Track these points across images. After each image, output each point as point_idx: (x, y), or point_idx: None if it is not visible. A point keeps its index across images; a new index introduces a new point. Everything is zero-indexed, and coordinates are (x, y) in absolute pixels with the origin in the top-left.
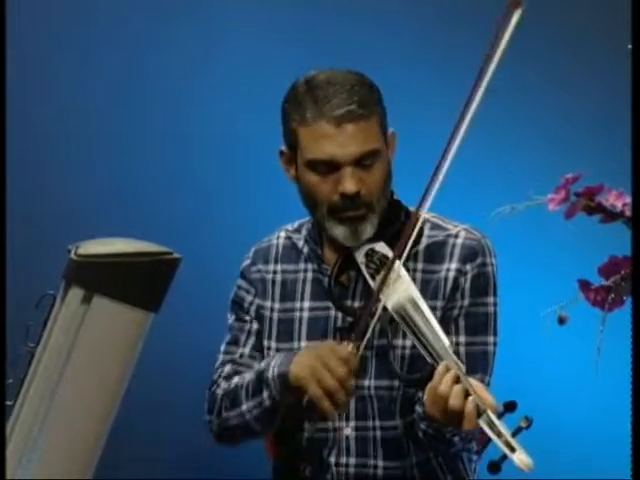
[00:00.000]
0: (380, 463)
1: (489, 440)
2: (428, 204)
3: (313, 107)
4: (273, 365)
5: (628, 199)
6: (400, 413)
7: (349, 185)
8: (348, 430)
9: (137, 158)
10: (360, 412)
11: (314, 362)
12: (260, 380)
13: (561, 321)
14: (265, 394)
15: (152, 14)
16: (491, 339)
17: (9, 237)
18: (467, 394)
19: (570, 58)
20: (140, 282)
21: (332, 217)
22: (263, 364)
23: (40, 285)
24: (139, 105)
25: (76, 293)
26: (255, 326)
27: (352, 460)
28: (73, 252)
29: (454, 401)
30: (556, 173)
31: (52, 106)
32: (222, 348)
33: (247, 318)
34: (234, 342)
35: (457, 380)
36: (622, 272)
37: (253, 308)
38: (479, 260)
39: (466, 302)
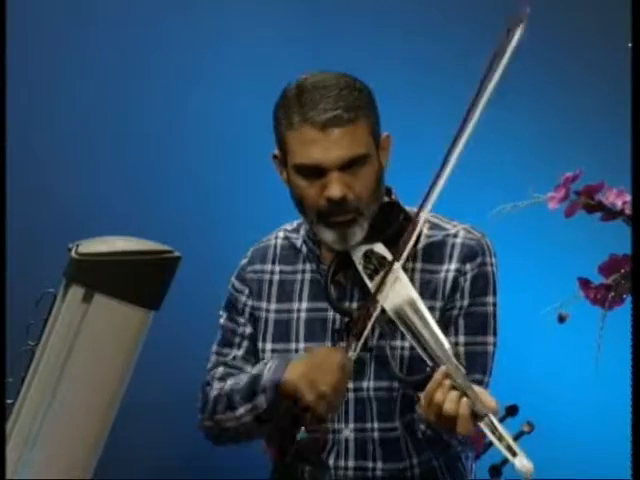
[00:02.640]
0: (379, 465)
1: (490, 443)
2: (429, 207)
3: (299, 111)
4: (267, 370)
5: (628, 197)
6: (400, 414)
7: (334, 190)
8: (347, 432)
9: (137, 156)
10: (359, 414)
11: (308, 368)
12: (255, 384)
13: (561, 319)
14: (261, 398)
15: (151, 12)
16: (490, 339)
17: (9, 235)
18: (461, 397)
19: (570, 56)
20: (141, 281)
21: (321, 221)
22: (257, 368)
23: (40, 283)
24: (138, 104)
25: (77, 291)
26: (249, 330)
27: (351, 463)
28: (74, 250)
29: (448, 405)
30: (556, 171)
31: (51, 105)
32: (213, 349)
33: (241, 320)
34: (227, 344)
35: (454, 387)
36: (622, 270)
37: (247, 310)
38: (479, 260)
39: (466, 302)
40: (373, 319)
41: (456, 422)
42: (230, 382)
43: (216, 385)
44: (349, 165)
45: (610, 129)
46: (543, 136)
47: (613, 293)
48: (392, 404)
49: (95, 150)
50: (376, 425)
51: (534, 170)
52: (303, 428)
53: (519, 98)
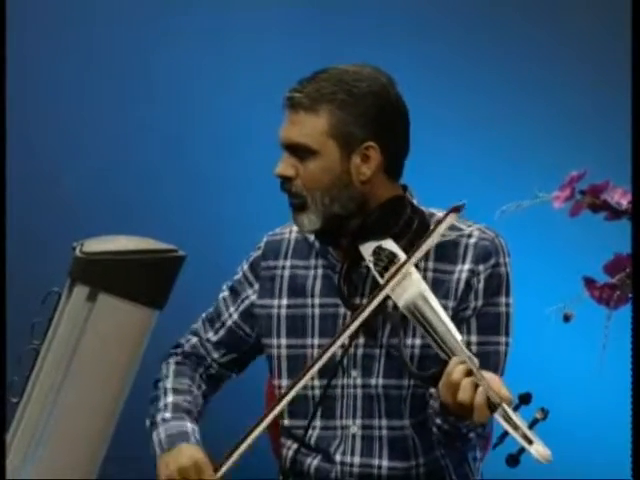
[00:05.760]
0: (385, 463)
1: (506, 433)
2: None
3: None
4: (167, 428)
5: None
6: (409, 412)
7: (277, 167)
8: (354, 428)
9: (142, 155)
10: (367, 410)
11: (175, 471)
12: (155, 422)
13: (566, 318)
14: (154, 433)
15: (157, 10)
16: (503, 339)
17: (13, 234)
18: (477, 386)
19: (575, 55)
20: (145, 280)
21: None
22: (171, 411)
23: (45, 282)
24: (140, 100)
25: (81, 290)
26: (231, 321)
27: (357, 460)
28: (78, 249)
29: (463, 394)
30: (561, 170)
31: (52, 103)
32: (204, 315)
33: (231, 309)
34: (210, 322)
35: (469, 374)
36: (627, 269)
37: (245, 305)
38: (492, 261)
39: (480, 303)
40: (367, 312)
41: (472, 410)
42: (169, 384)
43: (172, 367)
44: (295, 150)
45: (615, 128)
46: (548, 134)
47: (618, 292)
48: (401, 402)
49: (99, 148)
50: (384, 422)
51: (540, 169)
52: None
53: (524, 98)
